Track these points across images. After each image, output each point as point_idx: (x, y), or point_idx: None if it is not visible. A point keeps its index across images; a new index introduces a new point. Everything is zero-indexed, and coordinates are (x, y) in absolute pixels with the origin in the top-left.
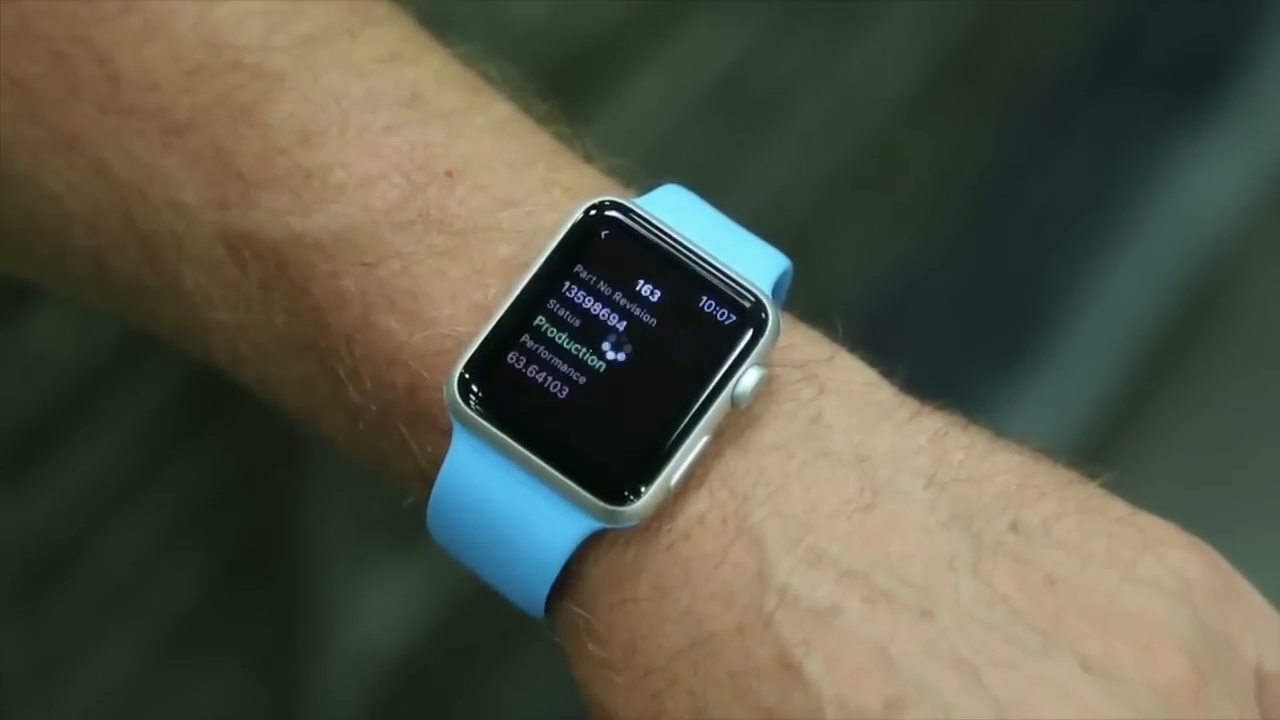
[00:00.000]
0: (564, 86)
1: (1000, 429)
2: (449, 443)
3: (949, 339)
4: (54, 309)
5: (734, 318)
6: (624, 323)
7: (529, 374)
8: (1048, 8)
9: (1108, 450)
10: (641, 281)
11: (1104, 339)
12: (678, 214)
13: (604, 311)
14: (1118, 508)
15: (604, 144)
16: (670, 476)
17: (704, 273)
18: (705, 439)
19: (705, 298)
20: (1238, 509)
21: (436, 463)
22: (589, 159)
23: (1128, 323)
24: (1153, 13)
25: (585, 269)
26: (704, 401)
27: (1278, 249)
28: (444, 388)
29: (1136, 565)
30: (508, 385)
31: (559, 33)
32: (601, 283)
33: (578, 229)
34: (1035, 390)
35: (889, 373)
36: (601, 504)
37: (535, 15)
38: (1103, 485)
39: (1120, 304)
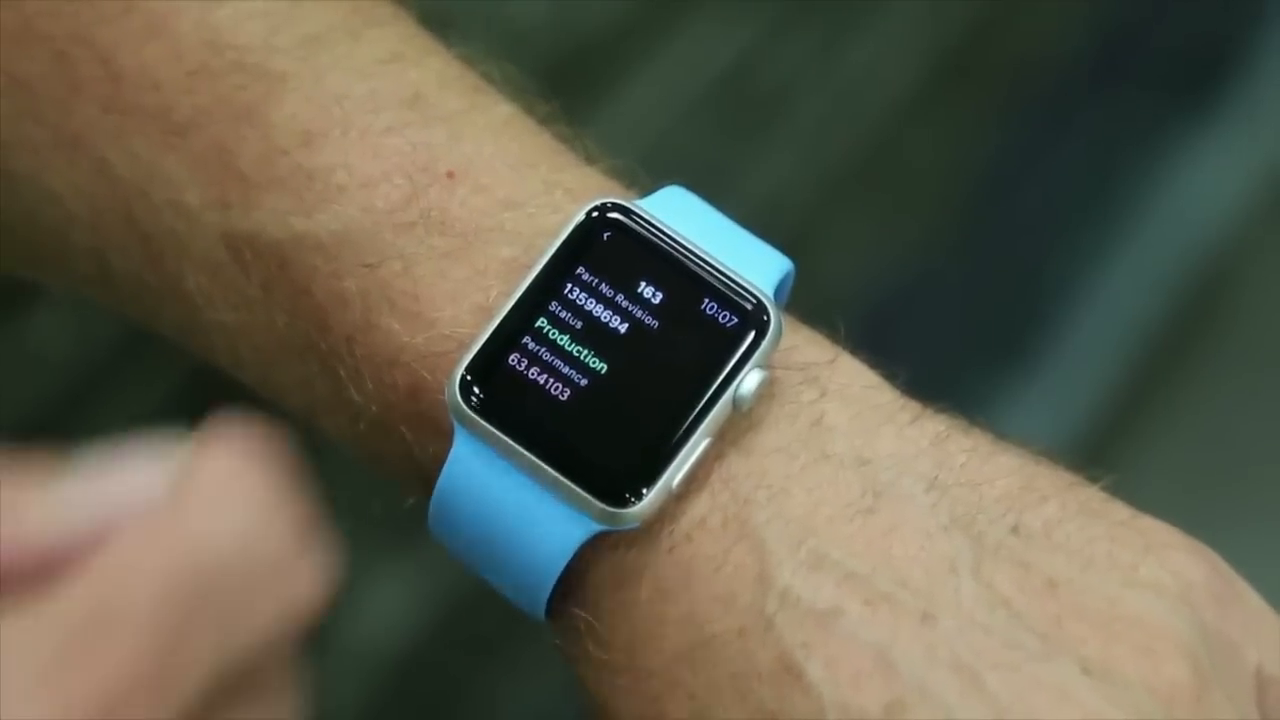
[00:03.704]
0: (563, 85)
1: (1000, 429)
2: (450, 444)
3: (948, 337)
4: (54, 308)
5: (736, 320)
6: (626, 325)
7: (530, 376)
8: (1047, 7)
9: (1106, 449)
10: (643, 283)
11: (1103, 338)
12: (680, 215)
13: (606, 313)
14: (1119, 511)
15: (603, 143)
16: (671, 479)
17: (706, 275)
18: (707, 441)
19: (707, 300)
20: (1236, 509)
21: (438, 464)
22: (591, 160)
23: (1127, 322)
24: (1152, 12)
25: (587, 271)
26: (705, 404)
27: (1277, 249)
28: (445, 389)
29: (1138, 569)
30: (509, 387)
31: (558, 31)
32: (603, 285)
33: (580, 231)
34: (1034, 389)
35: (891, 375)
36: (602, 506)
37: (535, 14)
38: (1104, 488)
39: (1119, 303)
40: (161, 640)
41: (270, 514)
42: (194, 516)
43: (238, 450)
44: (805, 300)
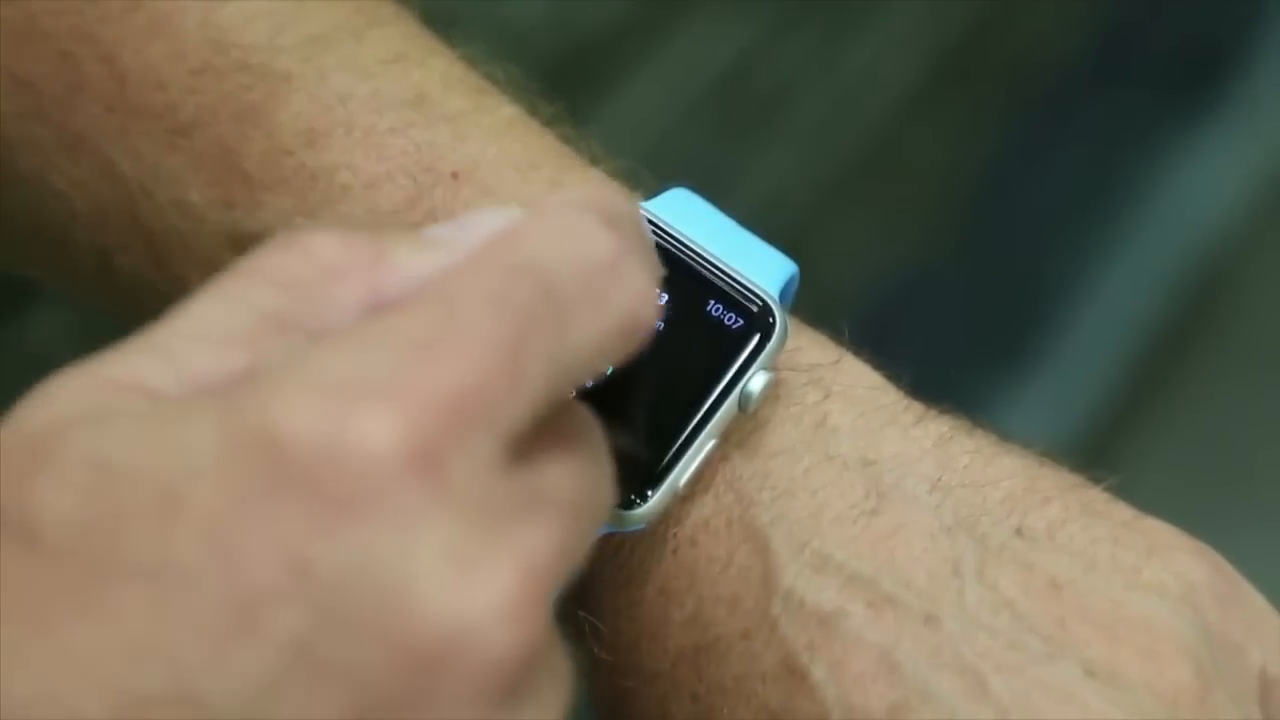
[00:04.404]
0: (563, 84)
1: (1001, 429)
2: None
3: (948, 337)
4: (53, 308)
5: (741, 322)
6: None
7: None
8: (1047, 7)
9: (1106, 449)
10: None
11: (1103, 338)
12: (684, 217)
13: None
14: (1122, 512)
15: (602, 143)
16: (677, 481)
17: (711, 277)
18: (712, 443)
19: (712, 302)
20: (1236, 508)
21: None
22: (595, 161)
23: (1127, 321)
24: (1151, 11)
25: None
26: (711, 406)
27: (1277, 247)
28: None
29: (1141, 570)
30: None
31: (558, 31)
32: None
33: None
34: (1034, 389)
35: (895, 376)
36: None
37: (535, 13)
38: (1107, 489)
39: (1119, 302)
40: (502, 349)
41: (603, 230)
42: (528, 232)
43: (583, 194)
44: (805, 300)
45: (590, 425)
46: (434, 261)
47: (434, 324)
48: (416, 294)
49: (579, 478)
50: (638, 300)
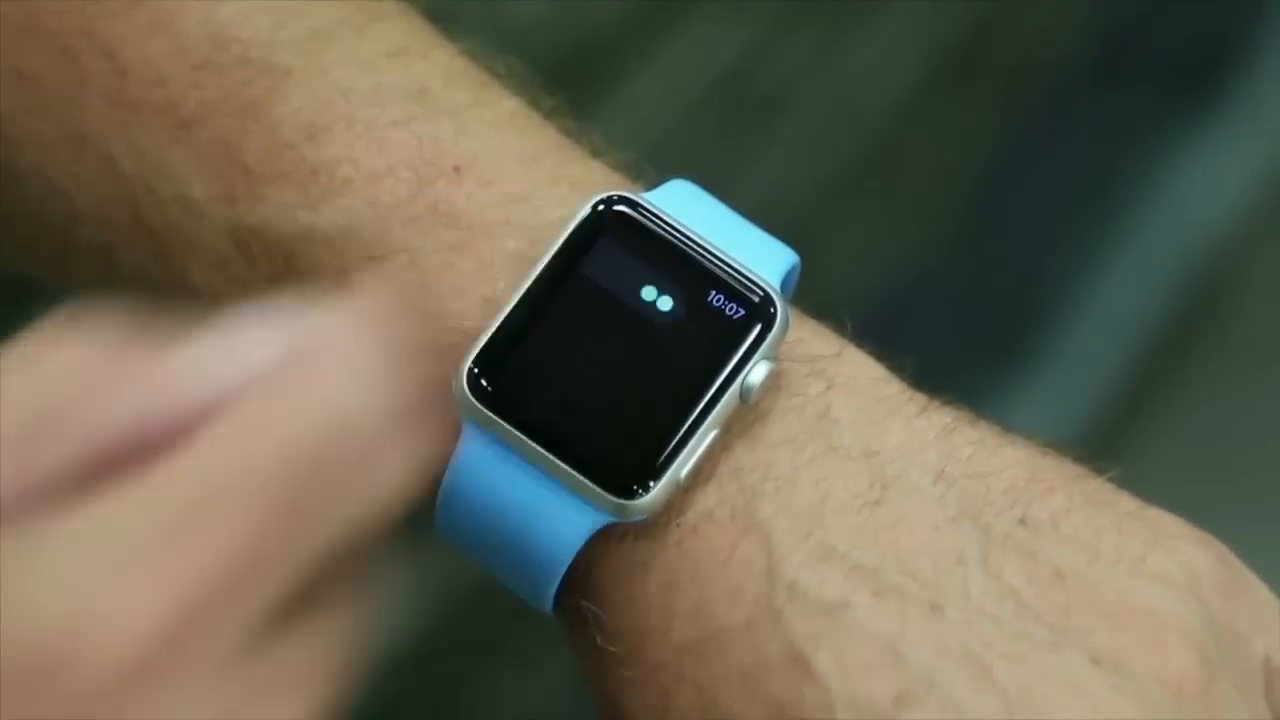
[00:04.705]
0: (564, 84)
1: (1007, 425)
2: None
3: (948, 337)
4: (55, 307)
5: (742, 312)
6: (633, 317)
7: (537, 368)
8: (1048, 6)
9: (1107, 449)
10: (650, 276)
11: (1103, 337)
12: (686, 209)
13: (612, 306)
14: (1126, 502)
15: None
16: (679, 471)
17: (712, 267)
18: (714, 433)
19: (714, 292)
20: (1236, 506)
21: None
22: (596, 154)
23: (1128, 321)
24: (1153, 11)
25: (594, 263)
26: (712, 396)
27: (1278, 247)
28: (453, 382)
29: (1146, 560)
30: (516, 379)
31: (559, 30)
32: (610, 277)
33: (586, 223)
34: (1034, 388)
35: (897, 368)
36: (610, 498)
37: (535, 13)
38: (1111, 479)
39: (1120, 302)
40: (274, 520)
41: (378, 388)
42: (310, 386)
43: (356, 320)
44: (806, 300)
45: (343, 580)
46: (208, 387)
47: (188, 505)
48: (176, 457)
49: (328, 644)
50: (404, 471)
